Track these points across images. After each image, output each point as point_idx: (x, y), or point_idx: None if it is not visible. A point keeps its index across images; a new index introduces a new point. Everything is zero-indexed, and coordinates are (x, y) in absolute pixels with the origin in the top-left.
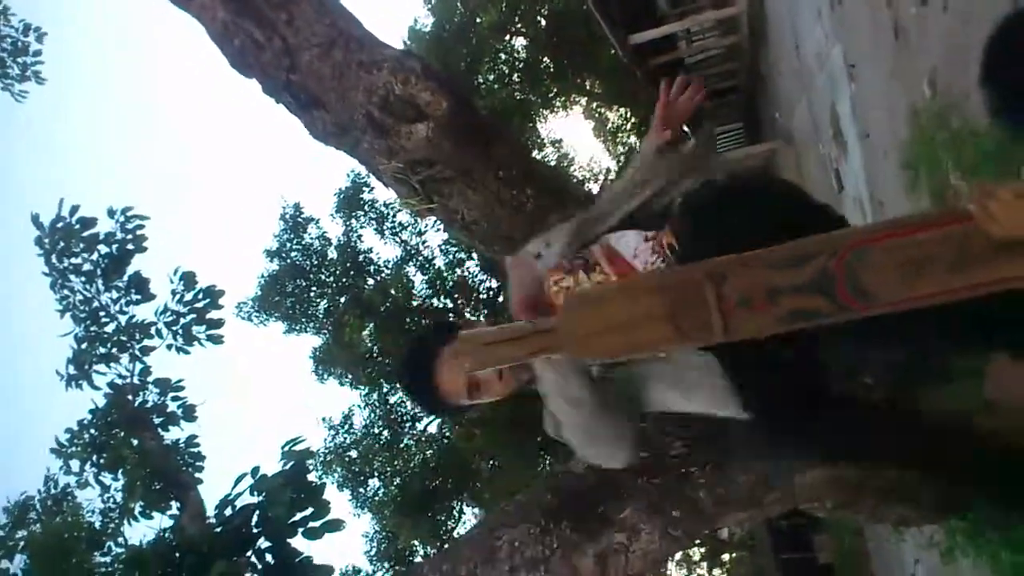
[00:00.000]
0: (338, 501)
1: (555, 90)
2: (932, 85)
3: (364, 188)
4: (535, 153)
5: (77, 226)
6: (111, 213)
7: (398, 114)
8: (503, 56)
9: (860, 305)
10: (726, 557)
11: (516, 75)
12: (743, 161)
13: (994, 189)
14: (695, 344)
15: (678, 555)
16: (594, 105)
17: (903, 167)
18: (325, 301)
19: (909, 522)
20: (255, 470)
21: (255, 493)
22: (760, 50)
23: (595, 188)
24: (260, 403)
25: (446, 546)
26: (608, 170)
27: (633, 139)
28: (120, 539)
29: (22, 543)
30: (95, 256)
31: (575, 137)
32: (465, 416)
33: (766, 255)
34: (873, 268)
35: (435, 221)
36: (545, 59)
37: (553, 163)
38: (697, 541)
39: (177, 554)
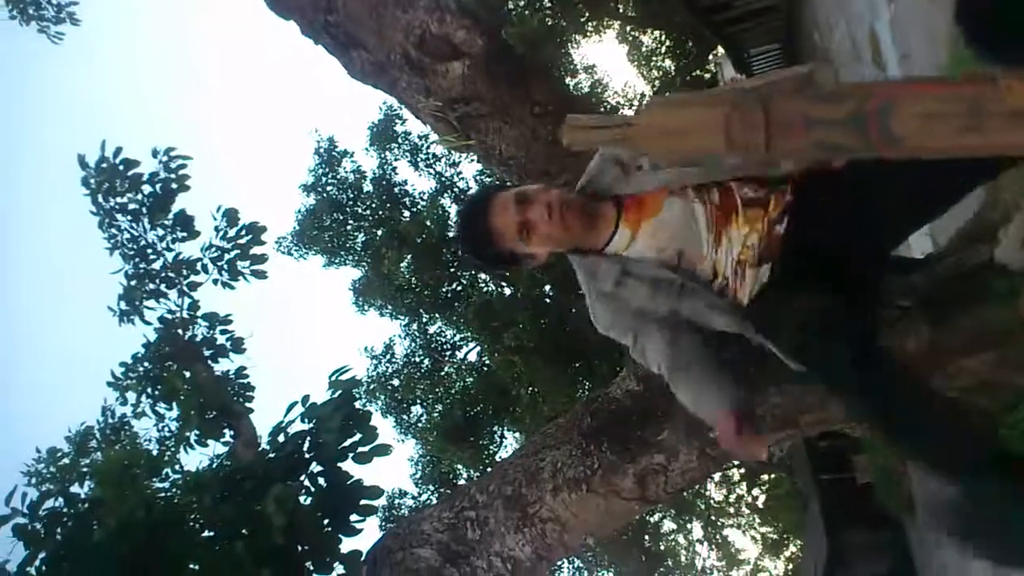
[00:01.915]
0: (382, 427)
1: (587, 14)
2: None
3: (396, 120)
4: (568, 80)
5: (121, 167)
6: (154, 153)
7: (434, 53)
8: None
9: (886, 148)
10: (765, 477)
11: (547, 0)
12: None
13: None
14: (741, 153)
15: (717, 476)
16: (627, 29)
17: None
18: (362, 234)
19: None
20: (305, 398)
21: (306, 420)
22: None
23: (630, 114)
24: (304, 335)
25: (491, 468)
26: (643, 95)
27: (668, 62)
28: (177, 466)
29: (84, 469)
30: (140, 196)
31: (609, 62)
32: (506, 332)
33: (811, 90)
34: (901, 115)
35: (471, 155)
36: None
37: (587, 90)
38: (735, 461)
39: (234, 479)
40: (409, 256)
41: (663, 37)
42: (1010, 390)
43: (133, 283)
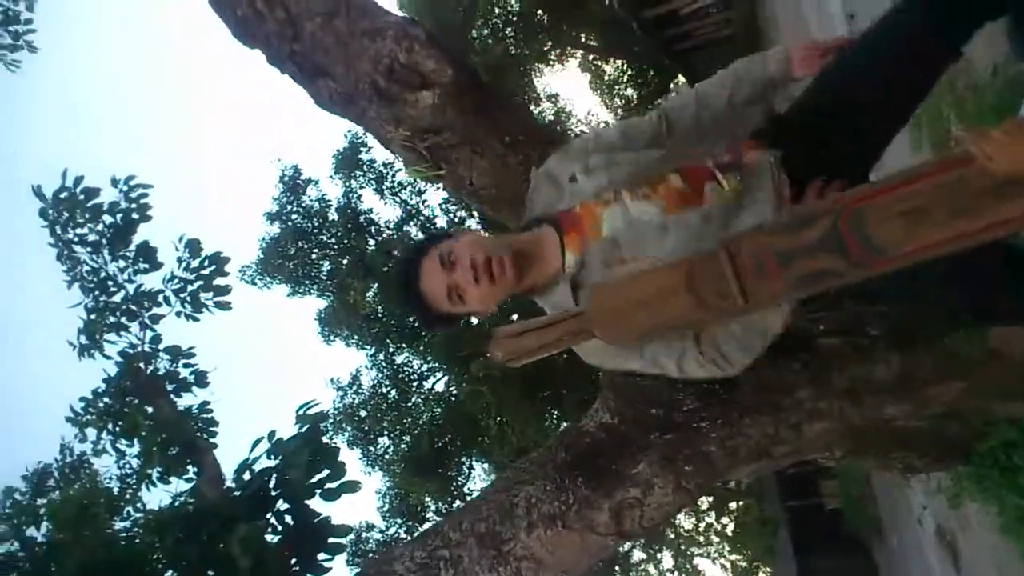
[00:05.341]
0: (349, 459)
1: (550, 43)
2: None
3: (362, 148)
4: (532, 108)
5: (81, 197)
6: (115, 182)
7: (403, 82)
8: (497, 10)
9: (875, 260)
10: (733, 505)
11: (510, 29)
12: None
13: (988, 130)
14: (718, 315)
15: None
16: (590, 58)
17: None
18: (328, 263)
19: (916, 469)
20: (271, 434)
21: (272, 457)
22: (755, 0)
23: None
24: (269, 367)
25: (464, 504)
26: (606, 123)
27: (630, 91)
28: (139, 504)
29: (42, 511)
30: (100, 226)
31: (572, 91)
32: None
33: (773, 223)
34: (879, 222)
35: (438, 184)
36: (539, 12)
37: (550, 118)
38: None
39: (198, 518)
40: (375, 285)
41: (625, 66)
42: (980, 417)
43: (93, 317)
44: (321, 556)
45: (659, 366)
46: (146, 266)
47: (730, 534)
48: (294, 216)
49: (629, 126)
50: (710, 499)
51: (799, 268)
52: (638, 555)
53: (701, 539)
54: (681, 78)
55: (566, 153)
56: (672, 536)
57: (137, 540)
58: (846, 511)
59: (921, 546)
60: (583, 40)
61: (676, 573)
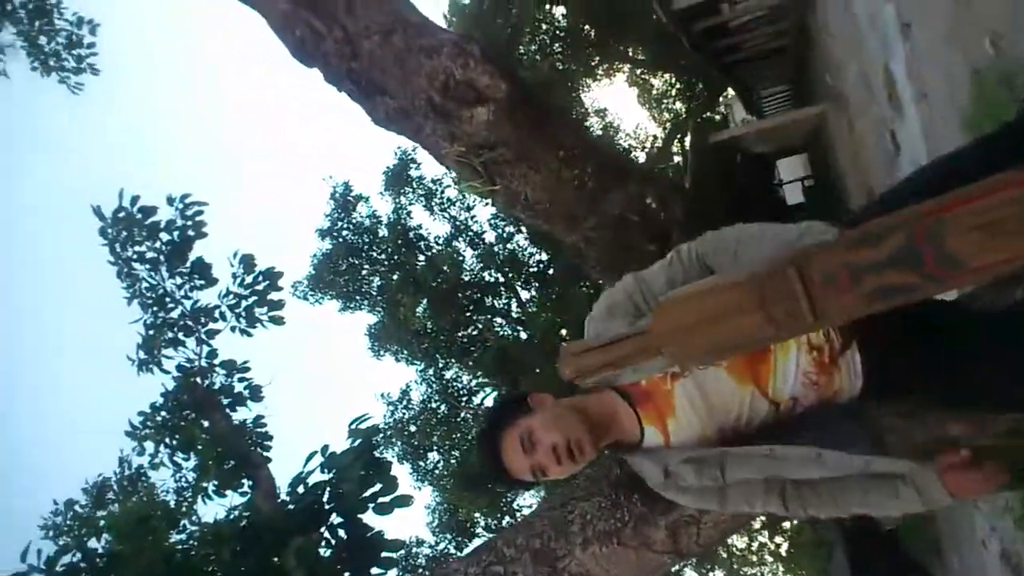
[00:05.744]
0: (399, 474)
1: (597, 58)
2: (995, 45)
3: (411, 165)
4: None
5: (139, 215)
6: (170, 201)
7: (459, 98)
8: (544, 26)
9: (950, 274)
10: (787, 525)
11: (557, 45)
12: (792, 124)
13: None
14: (788, 334)
15: None
16: (638, 72)
17: (965, 128)
18: (378, 278)
19: None
20: (325, 448)
21: (326, 471)
22: (807, 11)
23: (642, 157)
24: (320, 381)
25: (517, 520)
26: (655, 137)
27: (679, 105)
28: (194, 518)
29: (102, 522)
30: (158, 244)
31: (619, 105)
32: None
33: (843, 238)
34: (955, 235)
35: (487, 199)
36: (586, 27)
37: (599, 133)
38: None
39: (253, 531)
40: (425, 301)
41: (673, 80)
42: None
43: (152, 332)
44: (374, 570)
45: (740, 510)
46: (202, 282)
47: (784, 554)
48: (345, 232)
49: (673, 272)
50: (763, 519)
51: (871, 283)
52: (690, 574)
53: (754, 559)
54: (730, 91)
55: (612, 313)
56: (725, 555)
57: (193, 553)
58: (904, 532)
59: (985, 568)
60: (630, 54)
61: None
